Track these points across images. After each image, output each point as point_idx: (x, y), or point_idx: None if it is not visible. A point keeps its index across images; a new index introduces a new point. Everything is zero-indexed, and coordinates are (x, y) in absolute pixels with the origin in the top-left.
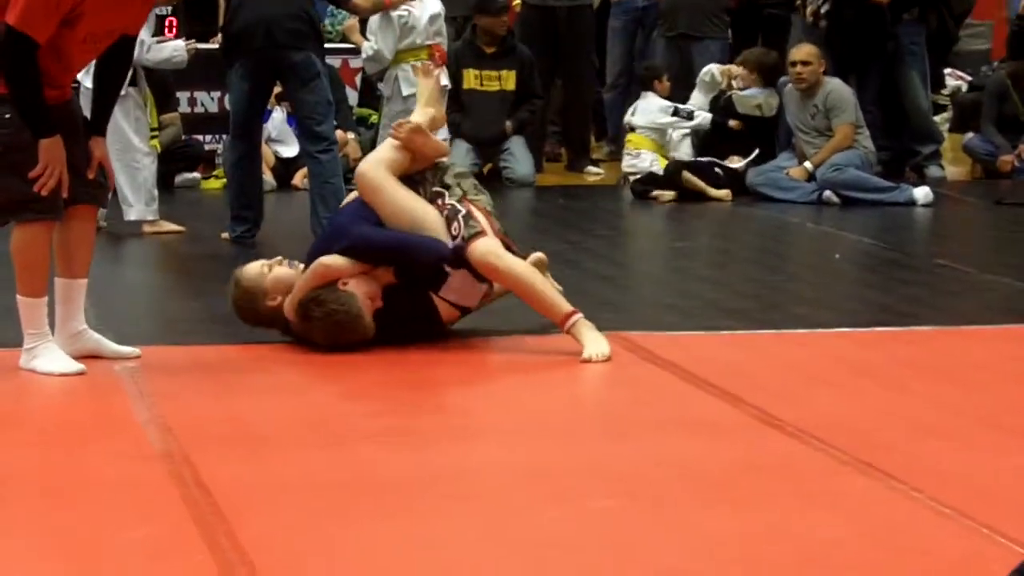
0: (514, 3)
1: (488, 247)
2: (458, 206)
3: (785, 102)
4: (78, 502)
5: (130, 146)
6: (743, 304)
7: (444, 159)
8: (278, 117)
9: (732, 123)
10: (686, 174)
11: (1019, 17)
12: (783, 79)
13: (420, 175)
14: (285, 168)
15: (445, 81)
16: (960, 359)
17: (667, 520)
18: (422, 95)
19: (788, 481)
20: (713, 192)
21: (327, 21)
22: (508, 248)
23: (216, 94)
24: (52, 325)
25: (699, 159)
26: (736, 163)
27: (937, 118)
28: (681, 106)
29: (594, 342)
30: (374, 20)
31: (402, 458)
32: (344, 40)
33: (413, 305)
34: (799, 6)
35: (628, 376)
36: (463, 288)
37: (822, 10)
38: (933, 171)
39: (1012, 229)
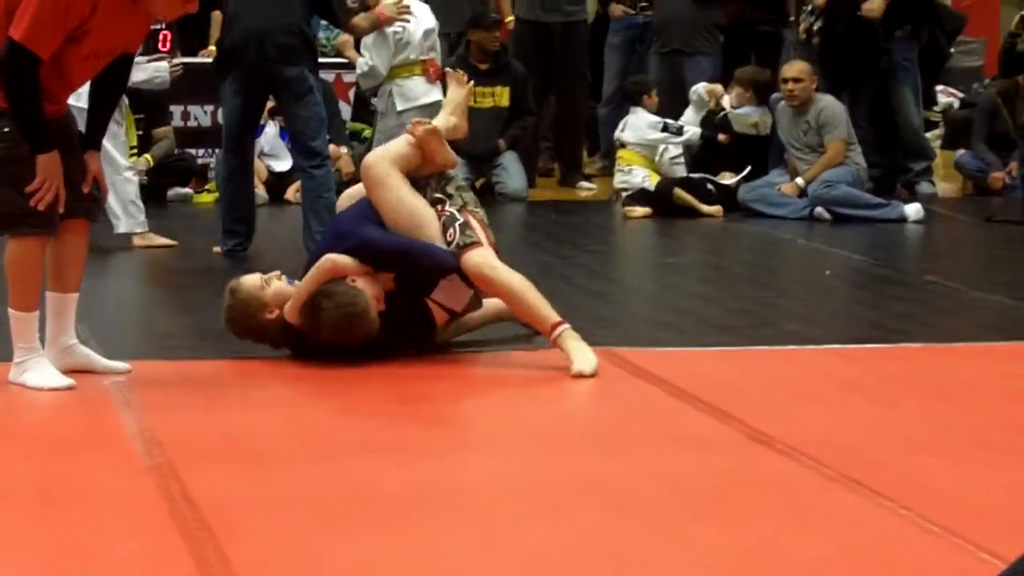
0: (507, 20)
1: (483, 257)
2: (457, 215)
3: (777, 118)
4: (66, 516)
5: (113, 162)
6: (734, 320)
7: (450, 171)
8: (271, 131)
9: (721, 137)
10: (678, 191)
11: (1010, 35)
12: (775, 96)
13: (424, 180)
14: (278, 182)
15: (439, 96)
16: (950, 376)
17: (658, 535)
18: (450, 103)
19: (778, 497)
20: (705, 208)
21: (322, 35)
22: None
23: (209, 108)
24: (42, 339)
25: (691, 175)
26: (728, 179)
27: (929, 135)
28: (671, 121)
29: (581, 355)
30: (369, 36)
31: (395, 472)
32: (338, 55)
33: (411, 311)
34: (792, 23)
35: (619, 392)
36: (452, 291)
37: (814, 27)
38: (924, 188)
39: (1003, 246)
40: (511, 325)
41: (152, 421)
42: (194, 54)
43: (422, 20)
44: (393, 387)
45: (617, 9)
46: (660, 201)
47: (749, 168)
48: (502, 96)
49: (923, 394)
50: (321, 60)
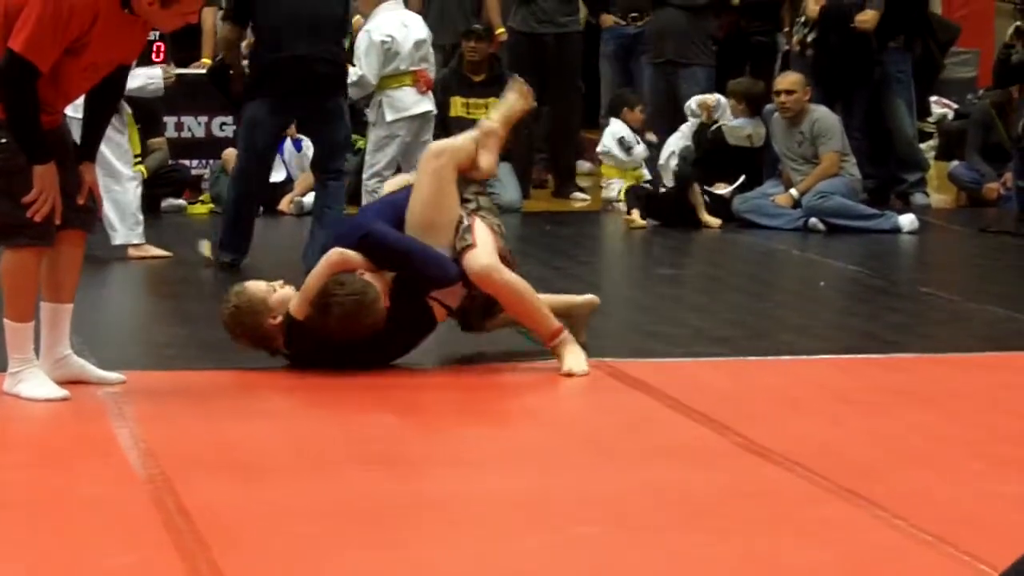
0: (498, 32)
1: (488, 260)
2: (464, 218)
3: (771, 130)
4: (60, 527)
5: (113, 171)
6: (729, 331)
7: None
8: None
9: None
10: (696, 189)
11: (1005, 46)
12: (769, 107)
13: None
14: (272, 193)
15: (430, 107)
16: (944, 387)
17: (652, 546)
18: (505, 106)
19: (772, 508)
20: (706, 217)
21: None
22: (509, 266)
23: (203, 119)
24: (36, 350)
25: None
26: (722, 190)
27: (923, 146)
28: (627, 136)
29: (574, 357)
30: (360, 45)
31: (390, 484)
32: None
33: (414, 308)
34: (786, 34)
35: (614, 403)
36: (449, 289)
37: (808, 38)
38: (918, 199)
39: (997, 257)
40: (508, 336)
41: (146, 432)
42: (187, 65)
43: (413, 30)
44: (389, 398)
45: (608, 19)
46: (668, 202)
47: (744, 178)
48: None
49: (917, 405)
50: None
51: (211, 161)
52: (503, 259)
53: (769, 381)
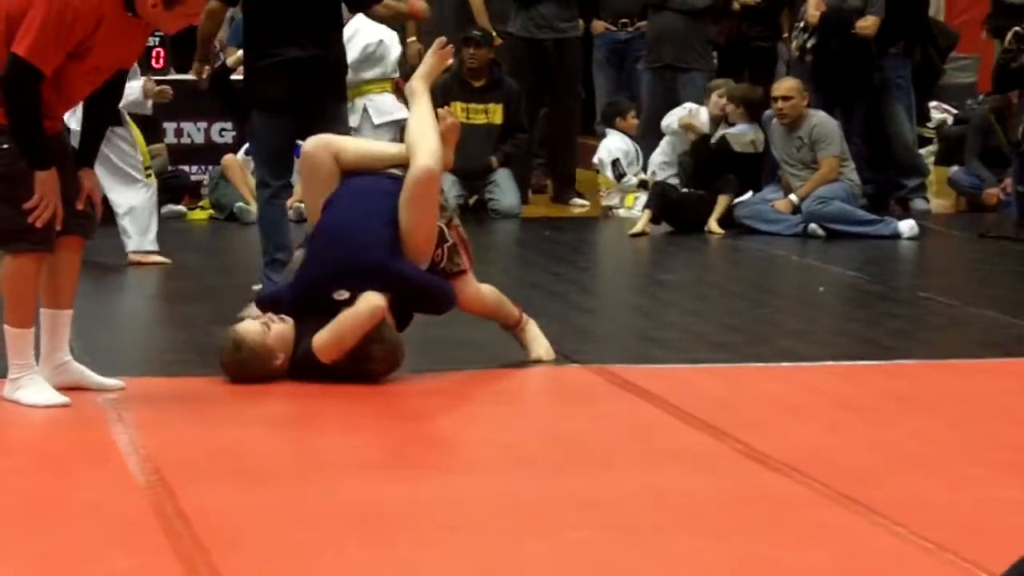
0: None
1: (475, 290)
2: (447, 233)
3: (770, 135)
4: (60, 533)
5: (127, 179)
6: (727, 337)
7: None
8: None
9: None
10: (723, 198)
11: (1004, 51)
12: (768, 112)
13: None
14: None
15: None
16: (944, 393)
17: (651, 552)
18: (425, 65)
19: (771, 514)
20: (714, 224)
21: None
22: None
23: (202, 125)
24: (36, 356)
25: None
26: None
27: (922, 151)
28: (623, 158)
29: (538, 343)
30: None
31: (389, 490)
32: None
33: (404, 321)
34: (785, 39)
35: (613, 409)
36: None
37: (808, 44)
38: (918, 204)
39: (997, 262)
40: (507, 344)
41: (146, 438)
42: (187, 72)
43: (394, 39)
44: (387, 404)
45: (599, 25)
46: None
47: (750, 193)
48: (495, 113)
49: (917, 411)
50: None
51: (210, 167)
52: (464, 246)
53: (768, 387)
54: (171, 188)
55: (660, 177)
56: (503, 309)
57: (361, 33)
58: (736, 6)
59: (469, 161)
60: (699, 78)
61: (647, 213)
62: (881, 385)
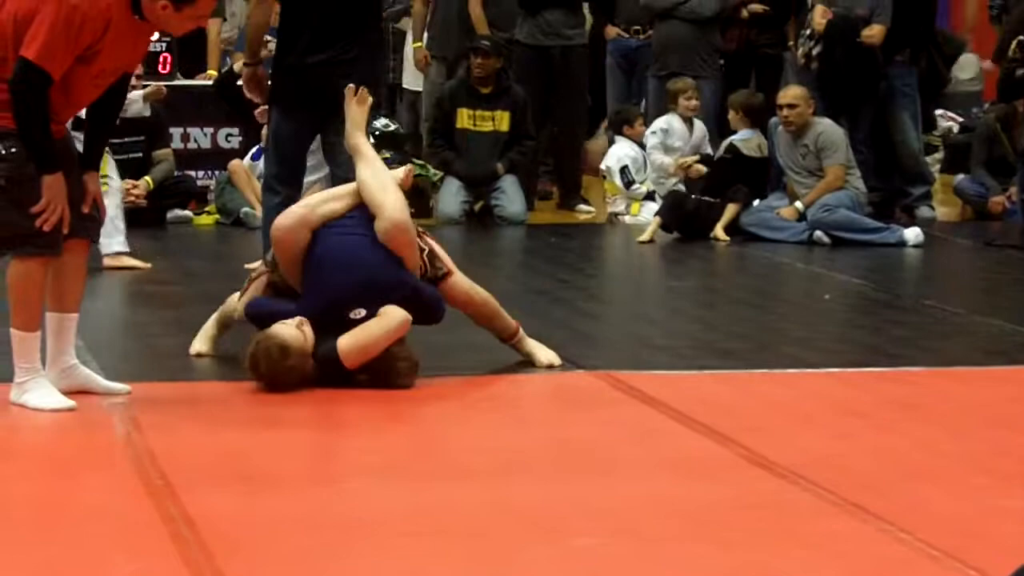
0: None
1: (465, 284)
2: (420, 244)
3: (776, 142)
4: (66, 537)
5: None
6: (733, 344)
7: None
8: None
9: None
10: (732, 206)
11: (1009, 61)
12: (773, 120)
13: None
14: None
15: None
16: (949, 401)
17: (655, 558)
18: (351, 119)
19: (776, 521)
20: (720, 231)
21: None
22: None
23: (209, 130)
24: (42, 360)
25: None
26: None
27: (928, 159)
28: (632, 166)
29: (542, 350)
30: None
31: (392, 495)
32: None
33: None
34: (791, 47)
35: (618, 415)
36: None
37: (813, 52)
38: (923, 212)
39: (1002, 271)
40: (508, 350)
41: (152, 442)
42: (193, 77)
43: None
44: (391, 409)
45: (612, 31)
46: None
47: (756, 201)
48: (502, 121)
49: (922, 418)
50: None
51: (217, 172)
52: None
53: (774, 394)
54: (177, 193)
55: (661, 184)
56: (500, 318)
57: None
58: (745, 14)
59: (475, 168)
60: (706, 87)
61: (657, 220)
62: (886, 392)
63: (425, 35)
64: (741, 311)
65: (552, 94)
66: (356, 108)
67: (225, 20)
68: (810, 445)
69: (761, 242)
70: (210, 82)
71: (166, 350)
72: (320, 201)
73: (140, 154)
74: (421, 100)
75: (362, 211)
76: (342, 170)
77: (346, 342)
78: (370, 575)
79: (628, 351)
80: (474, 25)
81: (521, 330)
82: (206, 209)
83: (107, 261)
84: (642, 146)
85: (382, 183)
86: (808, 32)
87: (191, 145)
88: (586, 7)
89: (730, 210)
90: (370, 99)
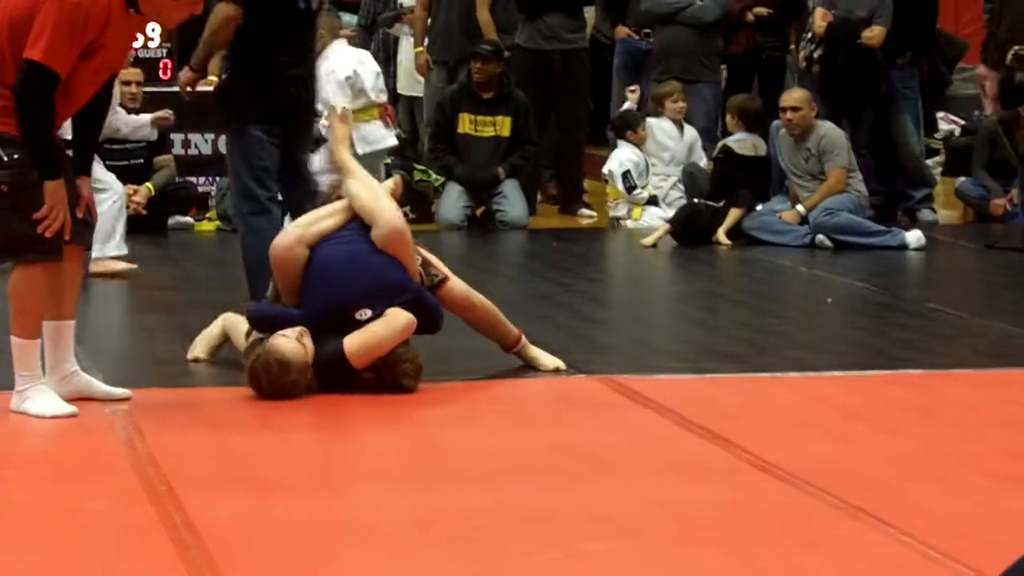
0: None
1: (462, 288)
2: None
3: (778, 146)
4: (68, 544)
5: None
6: (735, 348)
7: None
8: None
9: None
10: (735, 211)
11: (1007, 69)
12: (775, 123)
13: None
14: None
15: (394, 140)
16: (952, 403)
17: (658, 562)
18: (333, 138)
19: (779, 524)
20: (722, 235)
21: None
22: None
23: (209, 136)
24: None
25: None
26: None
27: (930, 162)
28: (634, 170)
29: (545, 356)
30: (327, 87)
31: (395, 500)
32: None
33: None
34: (792, 51)
35: (621, 419)
36: None
37: (815, 55)
38: (925, 215)
39: (1004, 273)
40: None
41: (153, 448)
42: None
43: (369, 64)
44: (394, 414)
45: (622, 31)
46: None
47: (761, 207)
48: (503, 126)
49: (924, 421)
50: None
51: (218, 178)
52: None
53: (776, 397)
54: (178, 199)
55: (660, 188)
56: (501, 325)
57: (338, 68)
58: (750, 17)
59: (477, 173)
60: (707, 91)
61: (666, 227)
62: (889, 395)
63: (426, 40)
64: (743, 315)
65: (553, 98)
66: (340, 125)
67: None
68: (812, 448)
69: (763, 246)
70: (211, 88)
71: (167, 356)
72: (313, 220)
73: (141, 160)
74: (418, 105)
75: (357, 224)
76: (311, 186)
77: (353, 342)
78: None
79: (630, 355)
80: (482, 30)
81: (524, 338)
82: (207, 215)
83: (93, 267)
84: (644, 151)
85: (375, 193)
86: (809, 35)
87: (192, 151)
88: (587, 11)
89: (733, 214)
90: (351, 116)
